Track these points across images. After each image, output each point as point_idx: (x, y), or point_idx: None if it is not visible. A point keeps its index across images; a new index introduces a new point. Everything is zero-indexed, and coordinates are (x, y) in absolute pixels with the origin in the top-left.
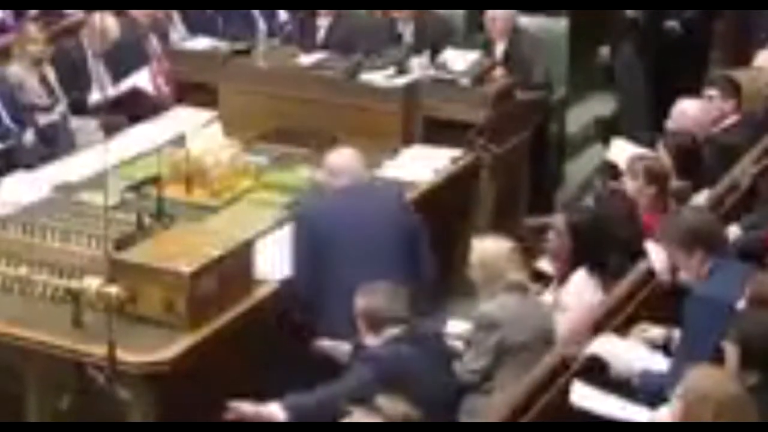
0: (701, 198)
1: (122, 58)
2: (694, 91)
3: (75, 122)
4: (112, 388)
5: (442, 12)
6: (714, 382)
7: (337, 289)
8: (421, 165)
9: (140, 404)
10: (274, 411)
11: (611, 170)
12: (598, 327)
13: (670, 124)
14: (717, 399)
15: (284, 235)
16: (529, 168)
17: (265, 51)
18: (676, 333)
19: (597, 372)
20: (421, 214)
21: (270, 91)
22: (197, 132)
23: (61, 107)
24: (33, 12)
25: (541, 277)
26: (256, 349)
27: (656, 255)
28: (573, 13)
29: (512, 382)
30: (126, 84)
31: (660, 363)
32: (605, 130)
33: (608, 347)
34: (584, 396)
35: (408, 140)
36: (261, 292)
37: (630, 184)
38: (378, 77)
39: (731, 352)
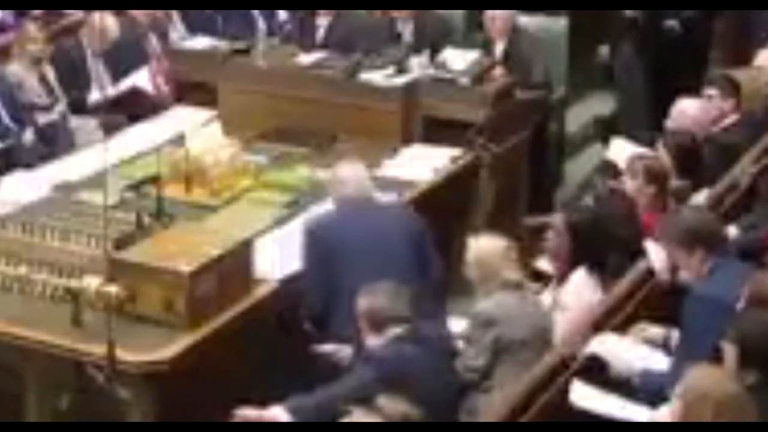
0: (701, 197)
1: (122, 58)
2: (694, 90)
3: (74, 121)
4: (112, 388)
5: (441, 11)
6: (713, 382)
7: (349, 296)
8: (421, 164)
9: (140, 403)
10: (278, 413)
11: (611, 169)
12: (597, 326)
13: (670, 123)
14: (716, 398)
15: (284, 234)
16: (529, 167)
17: (264, 50)
18: (675, 333)
19: (596, 371)
20: (420, 214)
21: (269, 91)
22: (197, 131)
23: (61, 106)
24: (36, 12)
25: (540, 277)
26: (255, 349)
27: (656, 254)
28: (572, 12)
29: (511, 381)
30: (125, 83)
31: (660, 361)
32: (605, 129)
33: (608, 346)
34: (584, 395)
35: (407, 139)
36: (260, 292)
37: (629, 184)
38: (377, 76)
39: (730, 351)
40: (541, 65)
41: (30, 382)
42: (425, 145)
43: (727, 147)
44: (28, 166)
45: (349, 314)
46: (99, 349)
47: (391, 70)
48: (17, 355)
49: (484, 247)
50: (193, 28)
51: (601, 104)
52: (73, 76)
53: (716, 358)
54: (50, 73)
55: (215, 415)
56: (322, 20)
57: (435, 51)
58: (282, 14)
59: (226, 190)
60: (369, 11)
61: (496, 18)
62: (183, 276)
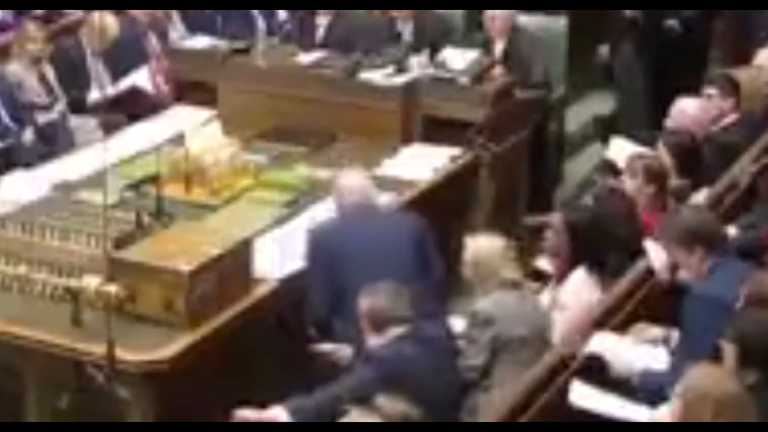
0: (700, 197)
1: (121, 57)
2: (694, 89)
3: (74, 121)
4: (111, 387)
5: (441, 11)
6: (713, 381)
7: (352, 302)
8: (421, 164)
9: (139, 403)
10: (277, 414)
11: (610, 169)
12: (597, 326)
13: (670, 122)
14: (716, 397)
15: (283, 234)
16: (528, 167)
17: (264, 50)
18: (675, 333)
19: (596, 371)
20: (420, 213)
21: (269, 90)
22: (196, 131)
23: (61, 106)
24: (39, 11)
25: (540, 276)
26: (255, 348)
27: (655, 254)
28: (572, 11)
29: (510, 379)
30: (125, 83)
31: (661, 358)
32: (604, 128)
33: (608, 346)
34: (583, 395)
35: (407, 139)
36: (260, 291)
37: (629, 183)
38: (377, 76)
39: (729, 350)
40: (540, 65)
41: (30, 381)
42: (425, 144)
43: (727, 146)
44: (28, 165)
45: (353, 320)
46: (99, 349)
47: (390, 69)
48: (17, 354)
49: (482, 246)
50: (193, 28)
51: (600, 104)
52: (72, 76)
53: (716, 357)
54: (50, 73)
55: (215, 415)
56: (322, 20)
57: (435, 50)
58: (282, 14)
59: (225, 189)
60: (368, 11)
61: (495, 17)
62: (183, 275)
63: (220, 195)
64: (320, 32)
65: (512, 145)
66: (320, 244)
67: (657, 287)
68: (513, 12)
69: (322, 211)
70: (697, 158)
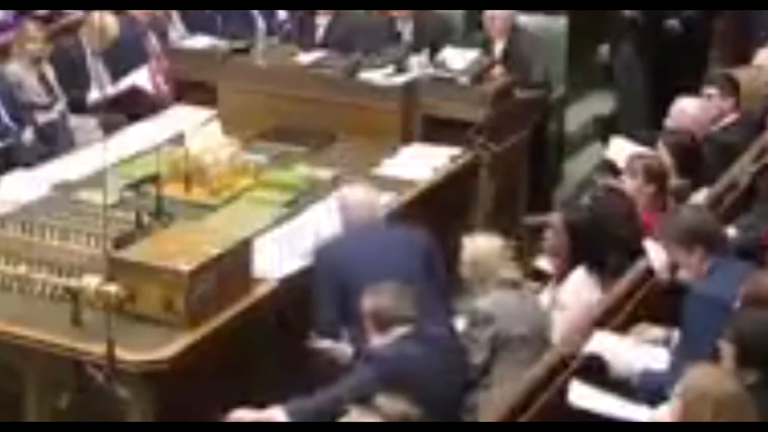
0: (700, 196)
1: (121, 57)
2: (694, 89)
3: (74, 121)
4: (111, 387)
5: (441, 11)
6: (713, 381)
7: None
8: (420, 163)
9: (139, 403)
10: (276, 415)
11: (610, 169)
12: (597, 326)
13: (669, 122)
14: (716, 397)
15: (283, 234)
16: (528, 166)
17: (264, 49)
18: (676, 333)
19: (595, 371)
20: (420, 213)
21: (269, 90)
22: (196, 130)
23: (60, 106)
24: (42, 11)
25: (540, 276)
26: (255, 348)
27: (655, 253)
28: (572, 11)
29: (510, 377)
30: (125, 82)
31: (662, 359)
32: (604, 128)
33: (608, 346)
34: (582, 395)
35: (407, 139)
36: (260, 291)
37: (629, 183)
38: (377, 76)
39: (727, 350)
40: (540, 65)
41: (29, 381)
42: (425, 144)
43: (727, 146)
44: (28, 165)
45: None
46: (98, 349)
47: (390, 69)
48: (17, 354)
49: (480, 246)
50: (193, 28)
51: (600, 103)
52: (72, 76)
53: (716, 357)
54: (50, 73)
55: (215, 415)
56: (322, 20)
57: (434, 50)
58: (281, 14)
59: (225, 189)
60: (368, 11)
61: (495, 17)
62: (182, 275)
63: (220, 195)
64: (320, 32)
65: (512, 145)
66: (328, 261)
67: (657, 287)
68: (513, 12)
69: (322, 211)
70: (697, 158)
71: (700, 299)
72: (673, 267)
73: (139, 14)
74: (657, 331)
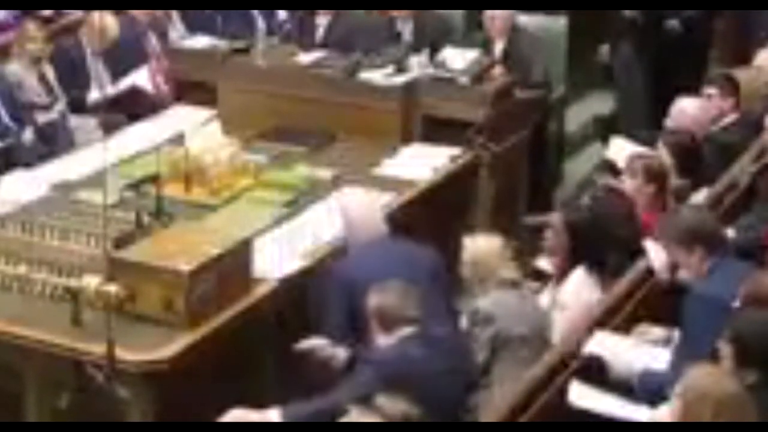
0: (700, 196)
1: (121, 57)
2: (694, 89)
3: (74, 121)
4: (111, 387)
5: (441, 11)
6: (713, 381)
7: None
8: (420, 163)
9: (139, 403)
10: (272, 418)
11: (610, 169)
12: (597, 325)
13: (669, 122)
14: (716, 397)
15: (283, 234)
16: (528, 166)
17: (264, 49)
18: (676, 333)
19: (595, 371)
20: (420, 213)
21: (269, 90)
22: (196, 130)
23: (60, 106)
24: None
25: (540, 276)
26: (255, 348)
27: (655, 253)
28: (572, 11)
29: (510, 377)
30: (125, 82)
31: (662, 359)
32: (604, 128)
33: (608, 346)
34: (582, 395)
35: (407, 139)
36: (260, 291)
37: (629, 183)
38: (377, 76)
39: (726, 350)
40: (540, 65)
41: (29, 381)
42: (425, 144)
43: (727, 146)
44: (28, 165)
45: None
46: (98, 349)
47: (390, 69)
48: (17, 354)
49: (480, 246)
50: (193, 28)
51: (600, 103)
52: (72, 76)
53: (715, 357)
54: (50, 73)
55: (214, 415)
56: (322, 20)
57: (434, 50)
58: (281, 14)
59: (225, 189)
60: (368, 11)
61: (495, 17)
62: (182, 275)
63: (220, 195)
64: (320, 32)
65: (512, 145)
66: (343, 282)
67: (657, 287)
68: (513, 12)
69: (322, 211)
70: (697, 158)
71: (700, 299)
72: (673, 267)
73: (139, 14)
74: (658, 331)
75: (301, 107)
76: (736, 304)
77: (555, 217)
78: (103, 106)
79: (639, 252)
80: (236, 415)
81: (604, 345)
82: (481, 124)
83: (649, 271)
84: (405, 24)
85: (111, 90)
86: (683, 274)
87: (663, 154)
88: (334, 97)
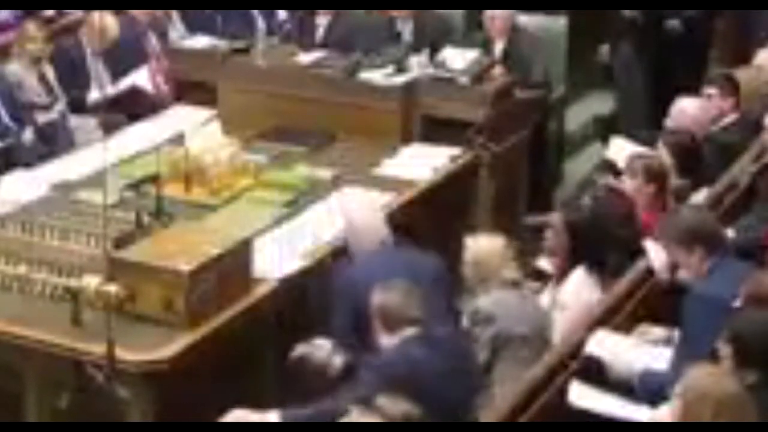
0: (700, 196)
1: (121, 57)
2: (694, 89)
3: (74, 121)
4: (111, 387)
5: (441, 11)
6: (713, 381)
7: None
8: (420, 163)
9: (139, 403)
10: (268, 417)
11: (610, 169)
12: (597, 325)
13: (669, 122)
14: (716, 397)
15: (283, 234)
16: (528, 166)
17: (264, 49)
18: (677, 333)
19: (595, 371)
20: (420, 213)
21: (269, 90)
22: (196, 130)
23: (60, 106)
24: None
25: (540, 276)
26: (255, 348)
27: (655, 253)
28: (572, 11)
29: (511, 377)
30: (125, 82)
31: (662, 358)
32: (604, 128)
33: (608, 345)
34: (582, 395)
35: (407, 139)
36: (260, 291)
37: (629, 183)
38: (377, 76)
39: (726, 350)
40: (540, 65)
41: (29, 381)
42: (424, 144)
43: (727, 146)
44: (28, 165)
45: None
46: (98, 349)
47: (390, 69)
48: (17, 354)
49: (482, 246)
50: (193, 28)
51: (600, 103)
52: (72, 76)
53: (715, 357)
54: (50, 73)
55: (214, 415)
56: (322, 19)
57: (434, 50)
58: (281, 14)
59: (225, 189)
60: (368, 11)
61: (495, 17)
62: (182, 275)
63: (220, 195)
64: (320, 32)
65: (512, 145)
66: (350, 293)
67: (657, 287)
68: (513, 12)
69: (322, 211)
70: (697, 158)
71: (700, 299)
72: (673, 267)
73: (139, 14)
74: (658, 331)
75: (301, 107)
76: (736, 304)
77: (555, 217)
78: (103, 106)
79: (639, 252)
80: (236, 415)
81: (604, 345)
82: (481, 124)
83: (649, 271)
84: (405, 24)
85: (111, 90)
86: (683, 274)
87: (663, 154)
88: (334, 97)
